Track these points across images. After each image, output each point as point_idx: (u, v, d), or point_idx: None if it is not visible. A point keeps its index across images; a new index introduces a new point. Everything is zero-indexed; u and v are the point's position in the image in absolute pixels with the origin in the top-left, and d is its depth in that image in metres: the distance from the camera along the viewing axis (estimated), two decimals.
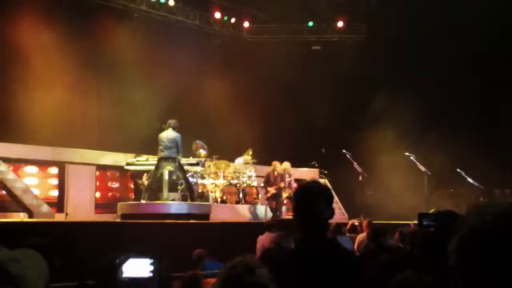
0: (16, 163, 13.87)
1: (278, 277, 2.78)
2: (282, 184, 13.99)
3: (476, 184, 15.31)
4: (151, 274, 2.44)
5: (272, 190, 13.95)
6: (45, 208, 12.46)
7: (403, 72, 18.05)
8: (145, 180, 13.51)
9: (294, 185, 15.55)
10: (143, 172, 13.56)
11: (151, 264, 2.45)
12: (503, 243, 1.14)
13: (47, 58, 14.46)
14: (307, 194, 2.95)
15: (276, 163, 14.18)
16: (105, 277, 2.49)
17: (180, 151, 12.08)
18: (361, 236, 9.74)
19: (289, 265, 2.84)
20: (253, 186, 15.07)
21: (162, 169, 12.17)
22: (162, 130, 12.23)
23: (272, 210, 14.04)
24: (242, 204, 14.52)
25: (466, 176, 15.29)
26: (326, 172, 18.36)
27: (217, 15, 19.48)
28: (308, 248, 2.88)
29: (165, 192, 12.50)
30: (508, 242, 1.14)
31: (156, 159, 12.31)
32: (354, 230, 10.66)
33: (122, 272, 2.42)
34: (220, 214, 13.22)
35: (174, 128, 12.06)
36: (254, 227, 10.60)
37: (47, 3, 15.28)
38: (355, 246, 9.30)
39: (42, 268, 1.85)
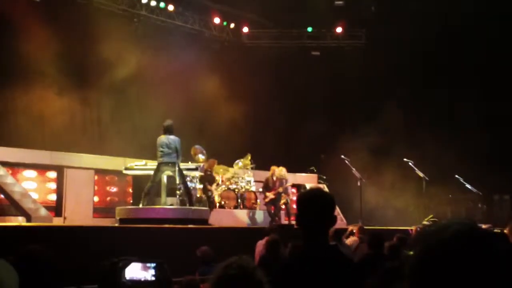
0: (15, 167, 13.83)
1: (279, 285, 2.78)
2: (280, 189, 13.97)
3: (474, 190, 15.32)
4: (153, 278, 2.44)
5: (270, 195, 13.93)
6: (43, 212, 12.43)
7: (402, 77, 18.07)
8: (213, 188, 13.79)
9: (292, 190, 15.57)
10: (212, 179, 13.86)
11: (154, 268, 2.45)
12: (459, 263, 1.13)
13: (47, 63, 14.46)
14: (309, 200, 2.95)
15: (274, 168, 14.18)
16: (107, 280, 2.48)
17: (179, 155, 12.05)
18: (351, 241, 9.79)
19: (291, 273, 2.83)
20: (251, 191, 15.06)
21: (161, 173, 12.12)
22: (160, 134, 12.19)
23: (270, 215, 14.02)
24: (240, 209, 14.50)
25: (464, 182, 15.30)
26: (324, 177, 18.34)
27: (217, 20, 19.51)
28: (310, 255, 2.88)
29: (163, 197, 12.46)
30: (464, 261, 1.12)
31: (155, 163, 12.28)
32: (352, 235, 10.68)
33: (124, 275, 2.42)
34: (219, 219, 13.19)
35: (171, 132, 12.00)
36: (253, 232, 10.59)
37: (46, 7, 15.27)
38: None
39: (14, 275, 1.92)
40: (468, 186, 15.28)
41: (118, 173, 14.49)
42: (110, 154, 15.18)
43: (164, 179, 12.36)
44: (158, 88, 16.46)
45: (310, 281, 2.77)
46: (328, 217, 2.91)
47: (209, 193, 13.80)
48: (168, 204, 12.55)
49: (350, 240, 9.85)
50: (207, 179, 13.96)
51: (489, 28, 17.10)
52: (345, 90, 18.97)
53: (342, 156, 15.24)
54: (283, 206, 14.34)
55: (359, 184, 15.01)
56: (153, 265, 2.51)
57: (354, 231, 10.82)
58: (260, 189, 14.59)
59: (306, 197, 3.03)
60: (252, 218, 14.45)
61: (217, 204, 14.20)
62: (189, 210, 12.17)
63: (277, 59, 19.38)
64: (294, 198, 15.22)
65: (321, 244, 2.90)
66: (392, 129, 16.96)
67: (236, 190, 14.67)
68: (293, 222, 13.03)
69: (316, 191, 3.07)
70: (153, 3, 17.90)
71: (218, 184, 14.38)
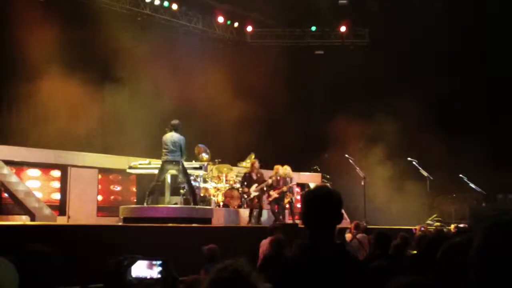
0: (19, 166, 13.87)
1: (285, 283, 2.77)
2: (284, 188, 13.96)
3: (478, 189, 15.29)
4: (159, 275, 2.44)
5: (274, 194, 13.92)
6: (47, 211, 12.46)
7: (405, 76, 18.05)
8: (252, 189, 13.81)
9: (296, 189, 15.54)
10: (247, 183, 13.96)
11: (160, 265, 2.46)
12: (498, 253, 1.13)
13: (51, 62, 14.48)
14: (317, 199, 2.94)
15: (278, 167, 14.16)
16: (113, 279, 2.48)
17: (183, 154, 12.08)
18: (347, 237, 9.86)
19: (294, 271, 2.83)
20: None
21: (166, 172, 12.15)
22: (165, 132, 12.22)
23: (274, 214, 14.01)
24: (244, 208, 14.49)
25: (468, 181, 15.27)
26: (328, 176, 18.33)
27: (220, 19, 19.52)
28: (316, 253, 2.87)
29: (167, 196, 12.48)
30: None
31: (159, 162, 12.30)
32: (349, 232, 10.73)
33: (130, 273, 2.42)
34: (222, 218, 13.19)
35: (177, 130, 12.04)
36: (256, 232, 10.58)
37: (50, 7, 15.28)
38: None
39: (14, 274, 1.90)
40: (472, 185, 15.25)
41: (122, 172, 14.52)
42: (114, 153, 15.21)
43: (168, 178, 12.38)
44: (162, 87, 16.47)
45: (314, 279, 2.76)
46: (334, 215, 2.90)
47: (245, 196, 13.93)
48: (172, 203, 12.56)
49: (346, 236, 9.93)
50: (244, 180, 14.16)
51: (490, 28, 17.08)
52: (348, 89, 18.95)
53: (346, 155, 15.23)
54: (287, 205, 14.32)
55: (363, 183, 14.99)
56: (159, 262, 2.51)
57: (350, 227, 10.88)
58: (265, 188, 14.56)
59: (312, 195, 3.02)
60: (255, 217, 14.43)
61: (260, 204, 14.11)
62: (193, 209, 12.18)
63: (281, 58, 19.36)
64: (299, 197, 15.22)
65: (326, 243, 2.89)
66: (396, 128, 16.93)
67: (240, 189, 14.65)
68: (297, 221, 13.03)
69: (322, 189, 3.06)
70: (156, 2, 17.92)
71: (259, 183, 14.22)
